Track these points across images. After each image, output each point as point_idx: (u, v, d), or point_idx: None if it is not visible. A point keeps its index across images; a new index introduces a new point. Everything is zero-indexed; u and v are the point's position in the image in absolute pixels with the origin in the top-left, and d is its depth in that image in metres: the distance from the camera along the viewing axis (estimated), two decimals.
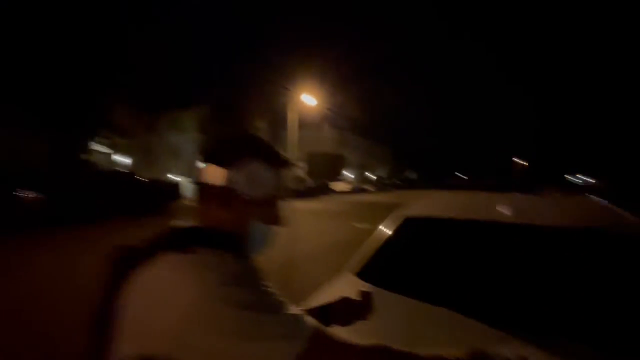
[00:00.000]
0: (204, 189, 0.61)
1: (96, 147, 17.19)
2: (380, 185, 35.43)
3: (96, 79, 13.77)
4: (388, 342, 0.58)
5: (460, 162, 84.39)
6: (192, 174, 0.95)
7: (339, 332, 0.56)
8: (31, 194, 7.28)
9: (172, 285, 0.49)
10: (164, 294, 0.49)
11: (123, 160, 19.75)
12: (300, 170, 33.17)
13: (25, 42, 11.85)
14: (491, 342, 0.67)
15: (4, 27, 11.41)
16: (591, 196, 2.52)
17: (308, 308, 0.77)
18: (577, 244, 1.35)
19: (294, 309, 0.53)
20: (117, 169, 15.92)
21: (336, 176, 31.99)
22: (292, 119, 21.68)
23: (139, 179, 10.65)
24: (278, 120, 27.32)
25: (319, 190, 23.72)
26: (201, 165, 0.62)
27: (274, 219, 0.66)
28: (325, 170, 31.58)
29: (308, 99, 21.22)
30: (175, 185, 11.69)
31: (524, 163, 48.13)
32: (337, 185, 28.16)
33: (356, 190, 28.75)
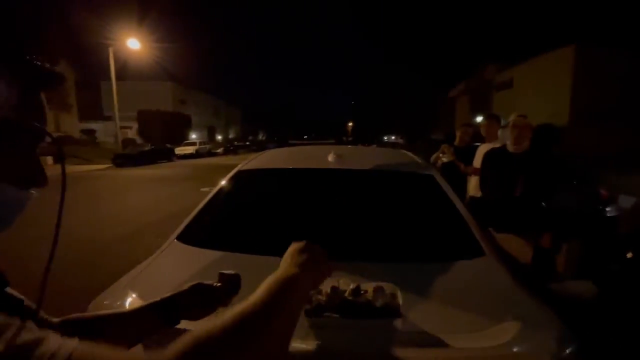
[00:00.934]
0: None
1: None
2: (230, 148, 34.26)
3: None
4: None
5: (309, 126, 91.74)
6: None
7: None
8: None
9: None
10: None
11: None
12: (129, 130, 27.97)
13: None
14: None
15: None
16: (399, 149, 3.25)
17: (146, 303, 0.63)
18: (387, 182, 1.67)
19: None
20: None
21: (181, 139, 28.61)
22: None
23: None
24: (97, 68, 21.84)
25: (159, 154, 20.66)
26: None
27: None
28: (165, 131, 27.69)
29: (134, 44, 17.58)
30: None
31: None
32: (183, 149, 25.39)
33: (204, 154, 26.78)
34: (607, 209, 4.23)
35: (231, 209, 1.57)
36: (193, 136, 32.79)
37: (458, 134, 3.95)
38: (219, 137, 44.87)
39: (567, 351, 0.81)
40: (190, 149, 25.75)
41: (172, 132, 28.59)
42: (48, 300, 0.42)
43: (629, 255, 2.52)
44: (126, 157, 17.70)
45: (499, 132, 3.36)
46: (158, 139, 24.01)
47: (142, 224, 5.47)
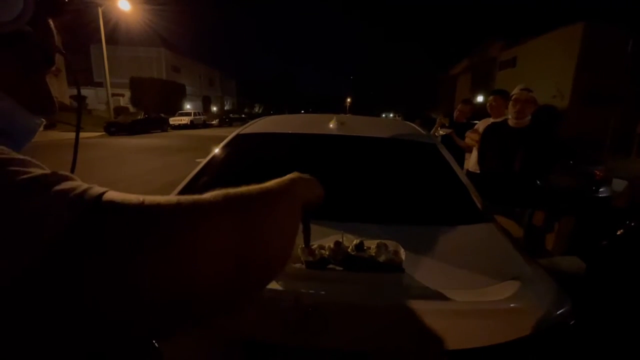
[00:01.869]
0: None
1: None
2: (226, 120, 33.64)
3: None
4: None
5: (307, 101, 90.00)
6: None
7: None
8: None
9: None
10: None
11: None
12: (121, 98, 27.22)
13: None
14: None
15: None
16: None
17: None
18: (390, 149, 1.68)
19: None
20: None
21: (175, 109, 27.91)
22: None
23: None
24: (86, 31, 20.93)
25: (153, 124, 20.19)
26: None
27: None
28: (159, 101, 26.97)
29: (125, 4, 16.75)
30: None
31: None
32: (178, 119, 24.87)
33: (199, 125, 26.29)
34: (601, 189, 4.29)
35: (230, 170, 1.55)
36: (187, 106, 32.00)
37: (458, 107, 3.90)
38: (214, 109, 43.96)
39: (561, 310, 0.84)
40: (185, 120, 25.22)
41: (166, 102, 27.84)
42: None
43: (619, 232, 2.58)
44: (119, 126, 17.31)
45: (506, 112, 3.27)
46: (151, 108, 23.40)
47: (138, 193, 5.46)
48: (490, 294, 0.81)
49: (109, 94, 20.23)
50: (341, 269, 0.78)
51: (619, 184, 4.20)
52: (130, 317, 0.27)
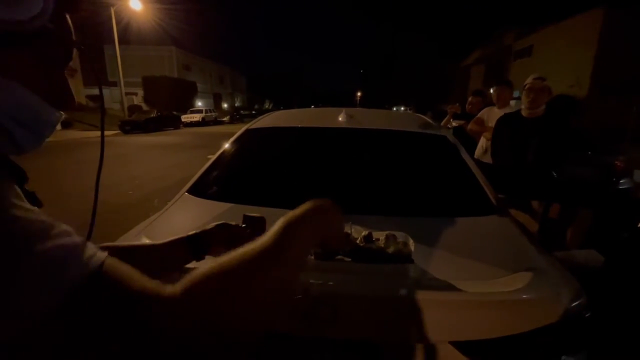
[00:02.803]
0: None
1: None
2: (237, 117, 33.87)
3: None
4: None
5: (317, 96, 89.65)
6: None
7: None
8: None
9: None
10: None
11: None
12: (135, 97, 27.70)
13: None
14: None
15: None
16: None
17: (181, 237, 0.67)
18: (400, 141, 1.66)
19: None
20: None
21: (187, 106, 28.26)
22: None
23: None
24: (99, 31, 21.34)
25: (166, 121, 20.52)
26: None
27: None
28: (171, 98, 27.34)
29: (136, 4, 16.97)
30: None
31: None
32: (189, 117, 25.17)
33: (210, 122, 26.56)
34: (621, 180, 4.14)
35: (240, 164, 1.57)
36: (199, 104, 32.34)
37: (469, 100, 3.82)
38: (225, 105, 44.26)
39: (576, 302, 0.81)
40: (196, 117, 25.51)
41: (178, 99, 28.21)
42: None
43: None
44: (133, 124, 17.64)
45: (512, 103, 3.23)
46: (164, 106, 23.74)
47: (152, 190, 5.57)
48: (502, 285, 0.80)
49: (122, 93, 20.63)
50: (350, 260, 0.78)
51: None
52: None
